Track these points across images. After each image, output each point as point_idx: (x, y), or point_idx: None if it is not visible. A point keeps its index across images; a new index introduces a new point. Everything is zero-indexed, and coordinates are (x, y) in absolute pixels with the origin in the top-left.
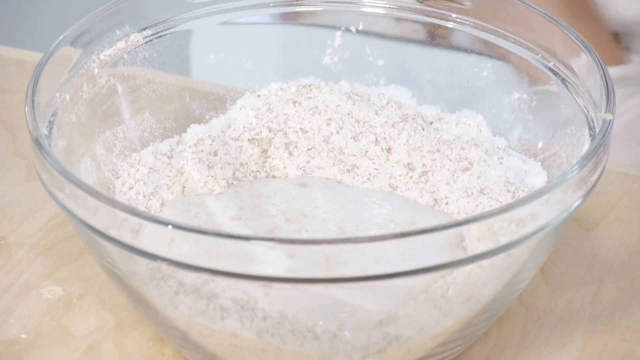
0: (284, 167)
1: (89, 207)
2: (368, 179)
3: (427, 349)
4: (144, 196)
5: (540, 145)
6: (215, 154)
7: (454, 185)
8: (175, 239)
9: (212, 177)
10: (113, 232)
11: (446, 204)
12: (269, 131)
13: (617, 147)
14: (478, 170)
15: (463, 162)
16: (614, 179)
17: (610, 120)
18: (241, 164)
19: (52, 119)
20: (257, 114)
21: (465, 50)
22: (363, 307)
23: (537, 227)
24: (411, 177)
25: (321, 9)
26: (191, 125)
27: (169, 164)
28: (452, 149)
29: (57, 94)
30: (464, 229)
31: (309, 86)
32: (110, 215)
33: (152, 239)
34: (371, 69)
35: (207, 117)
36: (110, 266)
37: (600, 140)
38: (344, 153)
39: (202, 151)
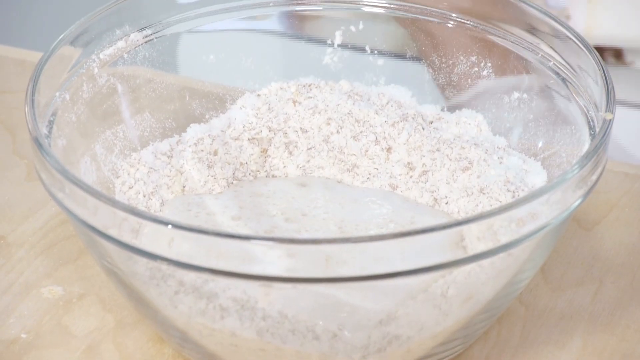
0: (284, 166)
1: (88, 207)
2: (368, 178)
3: (427, 348)
4: (144, 196)
5: (540, 144)
6: (215, 153)
7: (454, 184)
8: (175, 239)
9: (212, 176)
10: (113, 232)
11: (446, 203)
12: (269, 131)
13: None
14: (478, 170)
15: (463, 162)
16: (614, 179)
17: (610, 120)
18: (241, 164)
19: (52, 119)
20: (257, 114)
21: (465, 49)
22: (363, 307)
23: (537, 227)
24: (411, 177)
25: (321, 8)
26: (191, 125)
27: (169, 163)
28: (452, 148)
29: (57, 94)
30: (464, 228)
31: (309, 86)
32: (110, 215)
33: (152, 238)
34: (371, 68)
35: (207, 116)
36: (110, 266)
37: (601, 139)
38: (344, 152)
39: (202, 151)
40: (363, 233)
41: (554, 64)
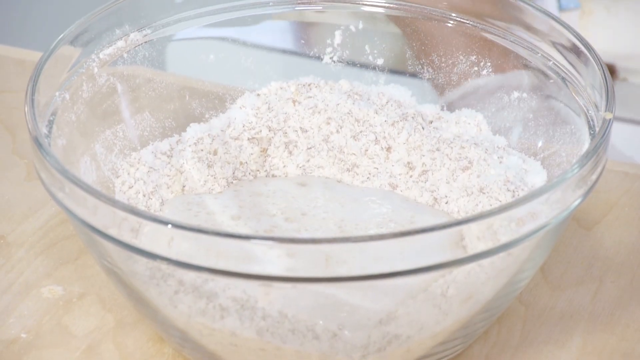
0: (284, 166)
1: (88, 207)
2: (368, 178)
3: (427, 348)
4: (144, 195)
5: (540, 144)
6: (215, 153)
7: (454, 184)
8: (174, 238)
9: (211, 176)
10: (113, 232)
11: (446, 203)
12: (269, 130)
13: None
14: (478, 169)
15: (463, 161)
16: (613, 178)
17: (610, 119)
18: (241, 163)
19: (51, 118)
20: (256, 113)
21: (465, 49)
22: (363, 306)
23: (537, 226)
24: (411, 176)
25: (321, 7)
26: (191, 125)
27: (169, 163)
28: (452, 148)
29: (57, 93)
30: (464, 228)
31: (309, 85)
32: (109, 215)
33: (152, 238)
34: (371, 68)
35: (206, 116)
36: (110, 265)
37: (600, 139)
38: (344, 152)
39: (202, 150)
40: (363, 232)
41: (553, 63)
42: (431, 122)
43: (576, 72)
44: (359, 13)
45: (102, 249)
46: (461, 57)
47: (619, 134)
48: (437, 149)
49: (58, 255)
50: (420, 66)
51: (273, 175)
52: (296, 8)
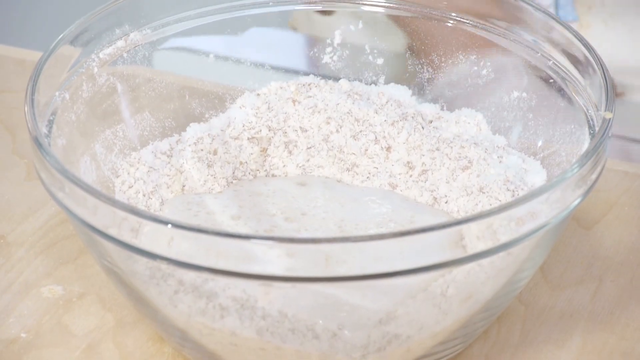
0: (284, 165)
1: (88, 206)
2: (368, 177)
3: (427, 347)
4: (144, 195)
5: (540, 143)
6: (215, 152)
7: (454, 183)
8: (174, 238)
9: (211, 176)
10: (112, 231)
11: (446, 202)
12: (269, 130)
13: None
14: (478, 169)
15: (463, 161)
16: (613, 177)
17: (609, 119)
18: (241, 163)
19: (51, 118)
20: (256, 113)
21: (464, 48)
22: (363, 306)
23: (537, 226)
24: (411, 176)
25: (321, 7)
26: (191, 124)
27: (169, 162)
28: (451, 147)
29: (57, 93)
30: (464, 227)
31: (309, 85)
32: (109, 214)
33: (152, 238)
34: (371, 67)
35: (206, 115)
36: (109, 265)
37: (600, 138)
38: (344, 152)
39: (202, 150)
40: (363, 232)
41: (553, 63)
42: (431, 121)
43: (576, 72)
44: (359, 13)
45: (102, 248)
46: (461, 56)
47: (618, 150)
48: (437, 149)
49: (58, 255)
50: (420, 66)
51: (273, 175)
52: (296, 8)
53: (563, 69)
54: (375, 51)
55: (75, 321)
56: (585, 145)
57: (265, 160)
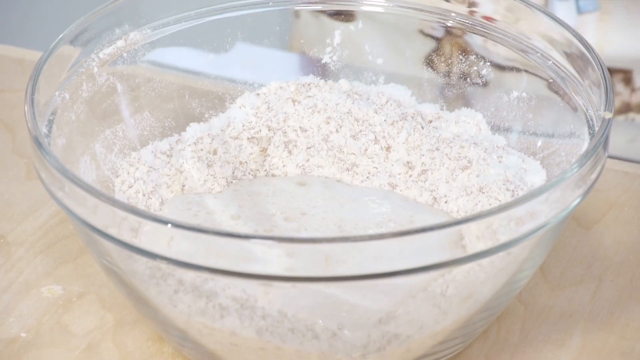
0: (284, 165)
1: (88, 206)
2: (367, 177)
3: (427, 347)
4: (144, 195)
5: (539, 143)
6: (215, 152)
7: (453, 183)
8: (174, 238)
9: (211, 175)
10: (112, 231)
11: (445, 202)
12: (269, 130)
13: None
14: (477, 169)
15: (462, 161)
16: (613, 177)
17: (609, 119)
18: (240, 163)
19: (51, 118)
20: (256, 113)
21: (464, 48)
22: (362, 306)
23: (537, 226)
24: (410, 176)
25: (320, 7)
26: (191, 124)
27: (169, 162)
28: (451, 147)
29: (57, 93)
30: (463, 227)
31: (309, 85)
32: (109, 214)
33: (152, 237)
34: (370, 67)
35: (206, 115)
36: (109, 265)
37: (600, 138)
38: (343, 152)
39: (202, 150)
40: (362, 232)
41: (553, 63)
42: (431, 121)
43: (576, 72)
44: (359, 13)
45: (102, 248)
46: (461, 57)
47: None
48: (437, 149)
49: (58, 254)
50: (420, 66)
51: (273, 175)
52: (296, 8)
53: (563, 69)
54: (375, 51)
55: (75, 321)
56: (585, 145)
57: (265, 160)
